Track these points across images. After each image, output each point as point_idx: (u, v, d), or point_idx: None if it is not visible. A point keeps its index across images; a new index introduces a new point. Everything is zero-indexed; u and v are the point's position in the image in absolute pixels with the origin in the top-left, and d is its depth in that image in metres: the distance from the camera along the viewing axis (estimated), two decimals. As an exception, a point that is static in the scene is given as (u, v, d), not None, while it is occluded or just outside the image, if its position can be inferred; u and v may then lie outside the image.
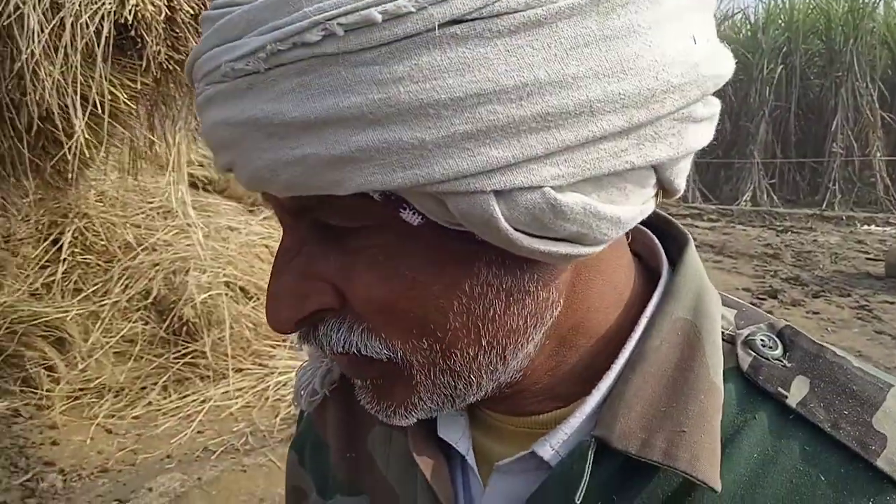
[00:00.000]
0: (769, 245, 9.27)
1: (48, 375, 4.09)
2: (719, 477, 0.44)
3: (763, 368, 0.49)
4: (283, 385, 4.39)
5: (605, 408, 0.48)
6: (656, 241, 0.57)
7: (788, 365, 0.49)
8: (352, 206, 0.41)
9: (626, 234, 0.49)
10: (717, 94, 0.45)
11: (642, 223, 0.52)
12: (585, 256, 0.42)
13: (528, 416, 0.52)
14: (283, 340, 4.80)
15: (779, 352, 0.50)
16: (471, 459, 0.54)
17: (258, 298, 5.01)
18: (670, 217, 0.58)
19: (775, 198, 13.15)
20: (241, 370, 4.46)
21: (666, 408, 0.46)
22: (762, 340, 0.51)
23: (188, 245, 4.96)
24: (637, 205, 0.43)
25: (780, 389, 0.48)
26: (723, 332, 0.51)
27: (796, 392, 0.48)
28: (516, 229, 0.39)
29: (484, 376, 0.46)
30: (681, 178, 0.45)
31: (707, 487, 0.44)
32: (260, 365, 4.53)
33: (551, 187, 0.38)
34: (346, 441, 0.64)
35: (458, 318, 0.43)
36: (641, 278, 0.54)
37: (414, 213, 0.41)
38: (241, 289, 4.95)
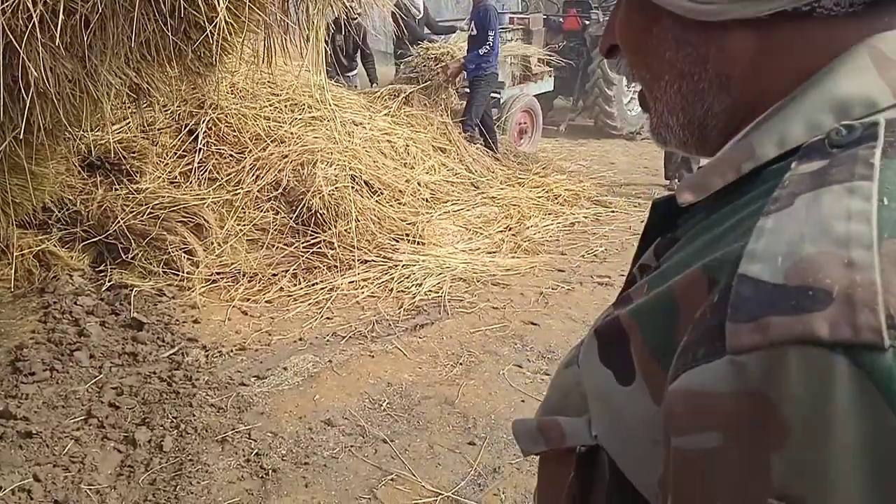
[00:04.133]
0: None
1: (188, 259, 4.34)
2: (693, 200, 0.55)
3: (819, 146, 0.47)
4: (406, 278, 4.48)
5: None
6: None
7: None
8: None
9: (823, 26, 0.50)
10: None
11: None
12: (705, 14, 0.52)
13: None
14: (406, 234, 4.86)
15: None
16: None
17: (382, 193, 5.07)
18: None
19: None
20: (365, 262, 4.57)
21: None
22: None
23: (315, 138, 5.03)
24: None
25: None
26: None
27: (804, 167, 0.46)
28: None
29: (675, 115, 0.58)
30: None
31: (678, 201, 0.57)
32: (384, 258, 4.63)
33: None
34: None
35: (650, 53, 0.58)
36: None
37: None
38: (366, 183, 5.01)
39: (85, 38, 2.44)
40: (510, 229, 5.36)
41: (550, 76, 8.72)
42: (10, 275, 4.13)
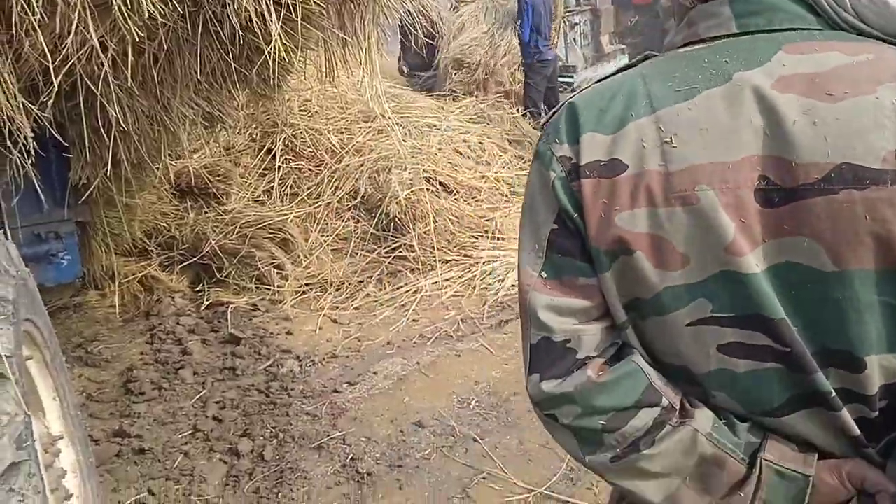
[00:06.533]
0: None
1: (277, 273, 4.49)
2: None
3: None
4: (489, 274, 4.48)
5: None
6: None
7: None
8: None
9: None
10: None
11: None
12: None
13: None
14: (485, 231, 4.87)
15: None
16: None
17: (458, 192, 5.09)
18: None
19: None
20: (447, 262, 4.60)
21: None
22: None
23: (389, 144, 5.11)
24: None
25: None
26: None
27: None
28: None
29: None
30: None
31: None
32: (465, 256, 4.65)
33: None
34: None
35: None
36: None
37: None
38: (441, 184, 5.05)
39: (155, 75, 2.56)
40: (591, 215, 5.28)
41: (624, 54, 8.52)
42: (117, 302, 4.40)
